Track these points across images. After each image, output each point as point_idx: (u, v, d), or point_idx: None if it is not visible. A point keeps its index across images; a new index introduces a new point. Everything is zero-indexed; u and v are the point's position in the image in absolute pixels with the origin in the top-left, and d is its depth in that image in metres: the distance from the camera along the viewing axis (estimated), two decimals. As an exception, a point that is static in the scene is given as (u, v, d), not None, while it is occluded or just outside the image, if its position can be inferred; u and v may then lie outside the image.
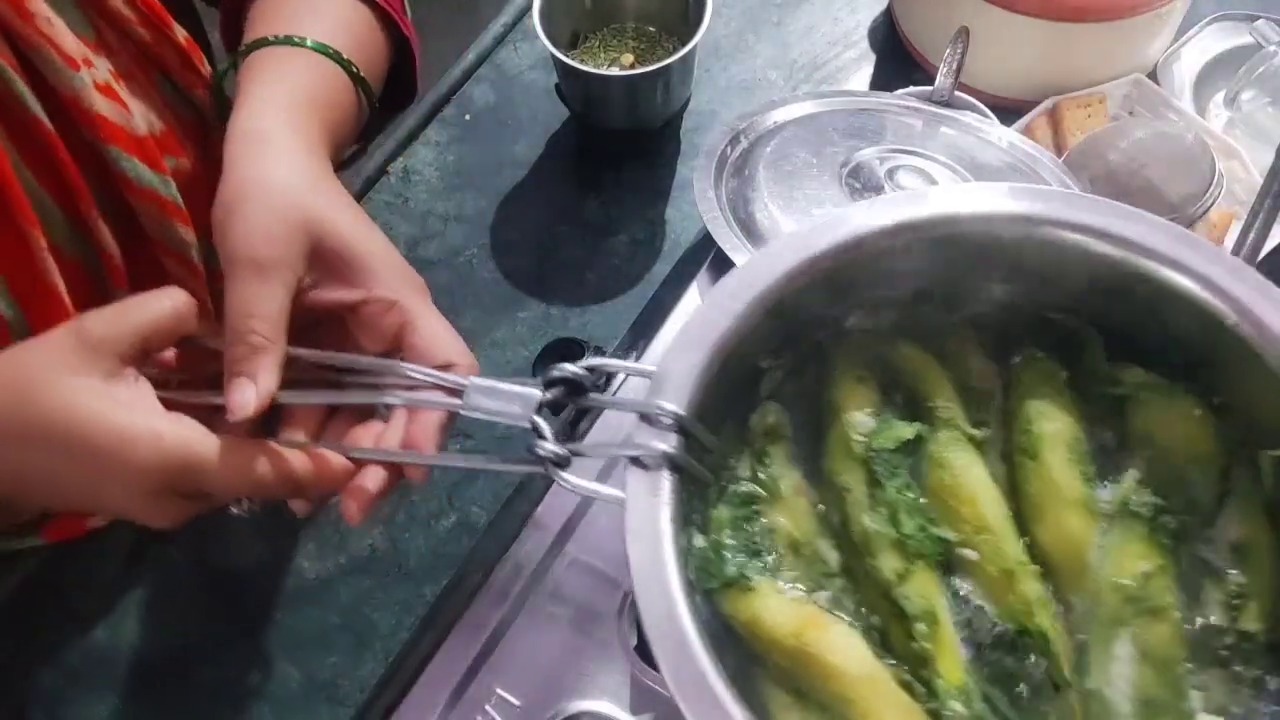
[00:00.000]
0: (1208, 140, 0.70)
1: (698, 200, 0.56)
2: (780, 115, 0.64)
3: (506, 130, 0.84)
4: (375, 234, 0.47)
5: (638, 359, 0.53)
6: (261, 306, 0.42)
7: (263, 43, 0.53)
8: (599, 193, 0.81)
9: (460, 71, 0.87)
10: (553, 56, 0.75)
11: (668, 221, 0.80)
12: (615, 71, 0.78)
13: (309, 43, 0.53)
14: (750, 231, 0.55)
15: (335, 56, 0.55)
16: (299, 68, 0.53)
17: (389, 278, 0.46)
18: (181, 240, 0.57)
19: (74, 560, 0.68)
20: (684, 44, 0.74)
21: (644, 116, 0.79)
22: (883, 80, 0.85)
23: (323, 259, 0.45)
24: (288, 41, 0.53)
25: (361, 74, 0.56)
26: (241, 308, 0.42)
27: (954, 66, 0.66)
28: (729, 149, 0.61)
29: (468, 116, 0.85)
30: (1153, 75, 0.80)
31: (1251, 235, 0.60)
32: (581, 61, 0.76)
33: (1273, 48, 0.76)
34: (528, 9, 0.90)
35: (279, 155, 0.47)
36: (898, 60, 0.85)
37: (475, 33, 0.90)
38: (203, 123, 0.61)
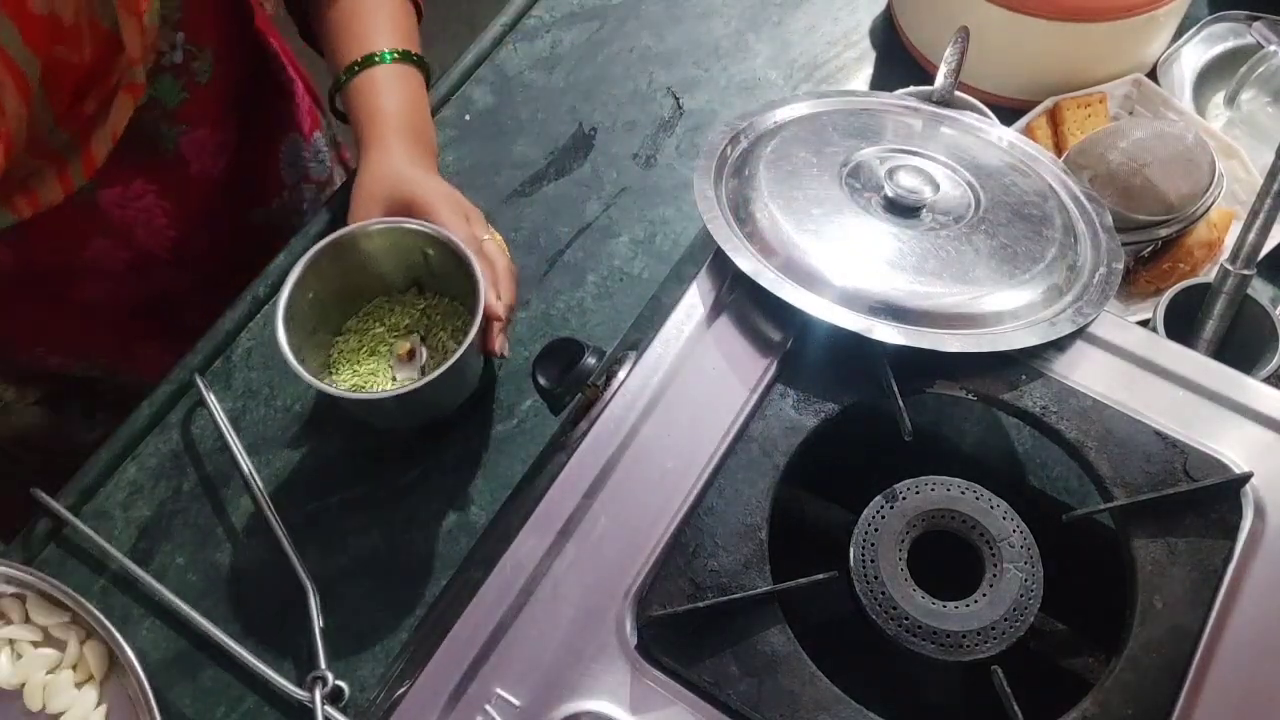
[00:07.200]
0: (1208, 140, 0.70)
1: (698, 200, 0.56)
2: (780, 115, 0.64)
3: (506, 131, 0.84)
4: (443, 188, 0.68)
5: (637, 359, 0.52)
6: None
7: (352, 70, 0.71)
8: (599, 192, 0.81)
9: (459, 73, 0.87)
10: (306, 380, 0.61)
11: (668, 221, 0.79)
12: (384, 392, 0.66)
13: (389, 57, 0.72)
14: (750, 231, 0.55)
15: (408, 57, 0.73)
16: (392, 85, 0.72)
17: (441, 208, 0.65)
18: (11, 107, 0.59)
19: (74, 561, 0.68)
20: (467, 297, 0.63)
21: (441, 412, 0.69)
22: (883, 80, 0.85)
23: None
24: (369, 62, 0.71)
25: (422, 59, 0.75)
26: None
27: (954, 66, 0.66)
28: (729, 149, 0.61)
29: (467, 117, 0.85)
30: (1153, 75, 0.80)
31: (1251, 235, 0.60)
32: (351, 361, 0.68)
33: (1273, 48, 0.76)
34: (527, 9, 0.91)
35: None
36: (898, 60, 0.85)
37: (474, 34, 0.90)
38: (113, 42, 0.62)
